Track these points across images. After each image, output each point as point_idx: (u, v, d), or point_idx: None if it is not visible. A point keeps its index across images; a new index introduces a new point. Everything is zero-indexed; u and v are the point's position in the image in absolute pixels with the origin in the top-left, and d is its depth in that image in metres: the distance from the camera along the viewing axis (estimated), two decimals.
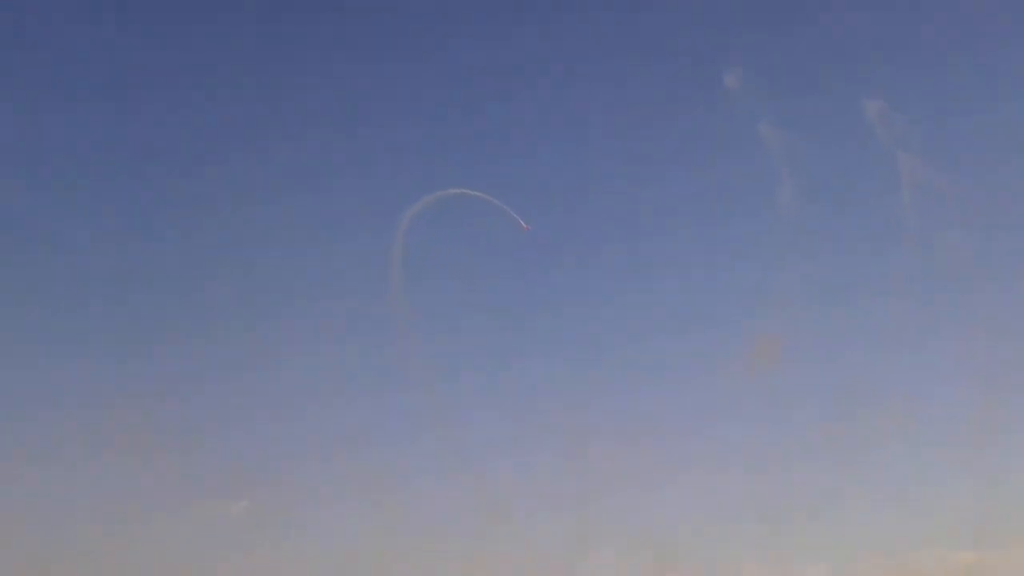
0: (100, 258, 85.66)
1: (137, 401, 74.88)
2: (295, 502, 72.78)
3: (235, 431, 77.72)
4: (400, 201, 75.23)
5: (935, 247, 73.97)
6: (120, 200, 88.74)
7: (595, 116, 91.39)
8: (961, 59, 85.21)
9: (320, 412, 77.82)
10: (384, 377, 78.76)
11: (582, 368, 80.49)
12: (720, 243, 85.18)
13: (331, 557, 68.71)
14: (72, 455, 73.66)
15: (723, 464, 73.95)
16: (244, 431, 77.80)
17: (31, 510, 70.01)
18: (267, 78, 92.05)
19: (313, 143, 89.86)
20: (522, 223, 66.69)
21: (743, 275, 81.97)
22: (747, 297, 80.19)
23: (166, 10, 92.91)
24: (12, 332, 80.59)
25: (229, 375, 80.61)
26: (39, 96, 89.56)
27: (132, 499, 71.26)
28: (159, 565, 67.66)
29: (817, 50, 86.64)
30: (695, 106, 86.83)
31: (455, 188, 71.86)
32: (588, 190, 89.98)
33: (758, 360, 71.46)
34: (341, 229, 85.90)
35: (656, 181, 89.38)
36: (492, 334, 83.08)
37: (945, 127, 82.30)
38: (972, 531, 66.18)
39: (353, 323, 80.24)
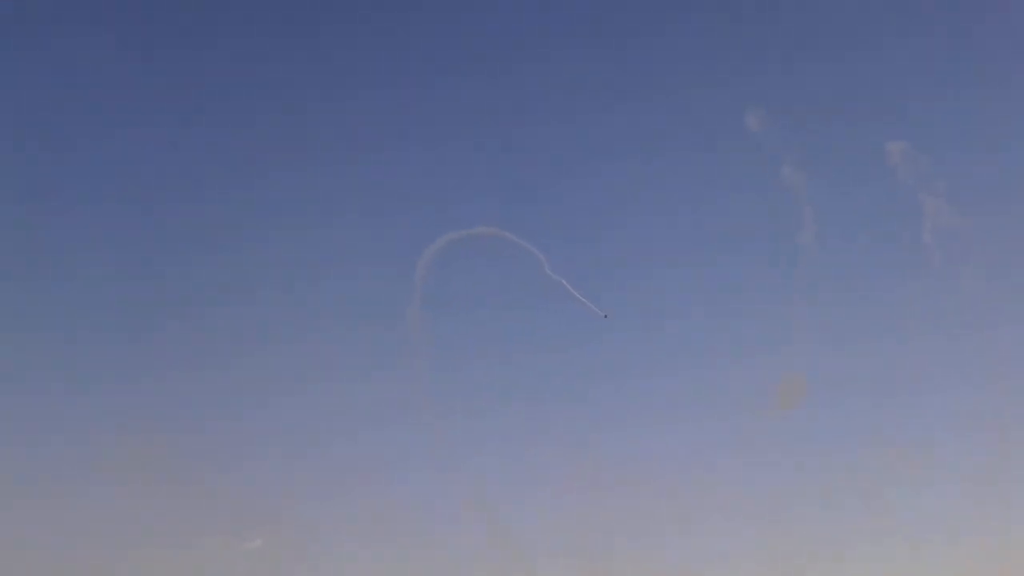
0: (111, 289, 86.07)
1: (150, 435, 74.89)
2: (308, 540, 72.35)
3: (250, 466, 77.30)
4: (419, 235, 75.31)
5: (958, 288, 73.53)
6: (137, 228, 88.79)
7: (617, 154, 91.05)
8: (984, 99, 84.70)
9: (335, 449, 77.86)
10: (400, 414, 77.82)
11: (600, 408, 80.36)
12: (741, 282, 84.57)
13: None
14: (84, 488, 73.75)
15: (740, 507, 73.36)
16: (259, 466, 77.41)
17: (41, 542, 69.68)
18: (289, 105, 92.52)
19: (333, 173, 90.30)
20: (599, 311, 67.13)
21: (763, 315, 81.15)
22: (767, 338, 79.45)
23: (177, 35, 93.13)
24: (23, 360, 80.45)
25: (244, 410, 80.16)
26: (46, 122, 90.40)
27: (144, 534, 71.40)
28: None
29: (840, 90, 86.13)
30: (717, 145, 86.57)
31: (475, 223, 72.32)
32: (608, 227, 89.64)
33: (785, 398, 70.72)
34: (359, 263, 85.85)
35: (678, 219, 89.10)
36: (509, 372, 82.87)
37: (968, 168, 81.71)
38: None
39: (369, 359, 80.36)
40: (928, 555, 69.65)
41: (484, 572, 69.45)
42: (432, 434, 73.67)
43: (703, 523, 73.05)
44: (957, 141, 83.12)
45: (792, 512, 72.75)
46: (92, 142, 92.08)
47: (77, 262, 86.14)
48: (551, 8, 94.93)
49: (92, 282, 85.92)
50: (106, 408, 79.04)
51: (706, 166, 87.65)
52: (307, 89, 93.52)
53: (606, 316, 67.54)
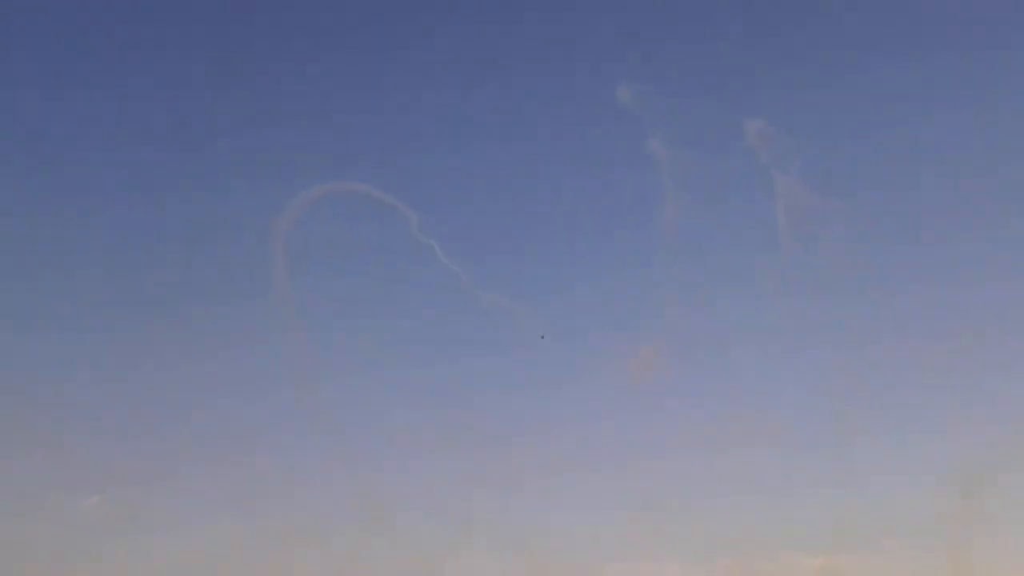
0: None
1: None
2: (157, 500, 70.92)
3: (106, 429, 75.45)
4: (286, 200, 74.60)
5: (807, 259, 77.12)
6: None
7: (488, 125, 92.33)
8: (842, 81, 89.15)
9: (195, 412, 76.90)
10: (260, 378, 77.75)
11: (460, 370, 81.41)
12: (604, 252, 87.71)
13: (193, 557, 67.06)
14: None
15: (596, 466, 75.66)
16: (116, 429, 75.66)
17: None
18: (161, 78, 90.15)
19: (206, 140, 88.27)
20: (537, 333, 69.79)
21: (624, 283, 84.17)
22: (627, 304, 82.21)
23: None
24: None
25: (103, 372, 78.87)
26: None
27: None
28: None
29: (706, 67, 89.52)
30: (586, 118, 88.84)
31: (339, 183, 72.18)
32: (477, 196, 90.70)
33: (636, 368, 73.44)
34: (226, 228, 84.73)
35: (544, 189, 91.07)
36: (376, 335, 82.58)
37: (822, 146, 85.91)
38: (825, 535, 69.28)
39: (233, 323, 79.43)
40: (771, 511, 73.31)
41: (345, 532, 69.30)
42: (293, 397, 73.32)
43: (561, 481, 74.85)
44: (813, 120, 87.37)
45: (649, 470, 75.02)
46: None
47: None
48: None
49: None
50: None
51: (577, 139, 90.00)
52: (176, 62, 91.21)
53: (543, 337, 70.11)
